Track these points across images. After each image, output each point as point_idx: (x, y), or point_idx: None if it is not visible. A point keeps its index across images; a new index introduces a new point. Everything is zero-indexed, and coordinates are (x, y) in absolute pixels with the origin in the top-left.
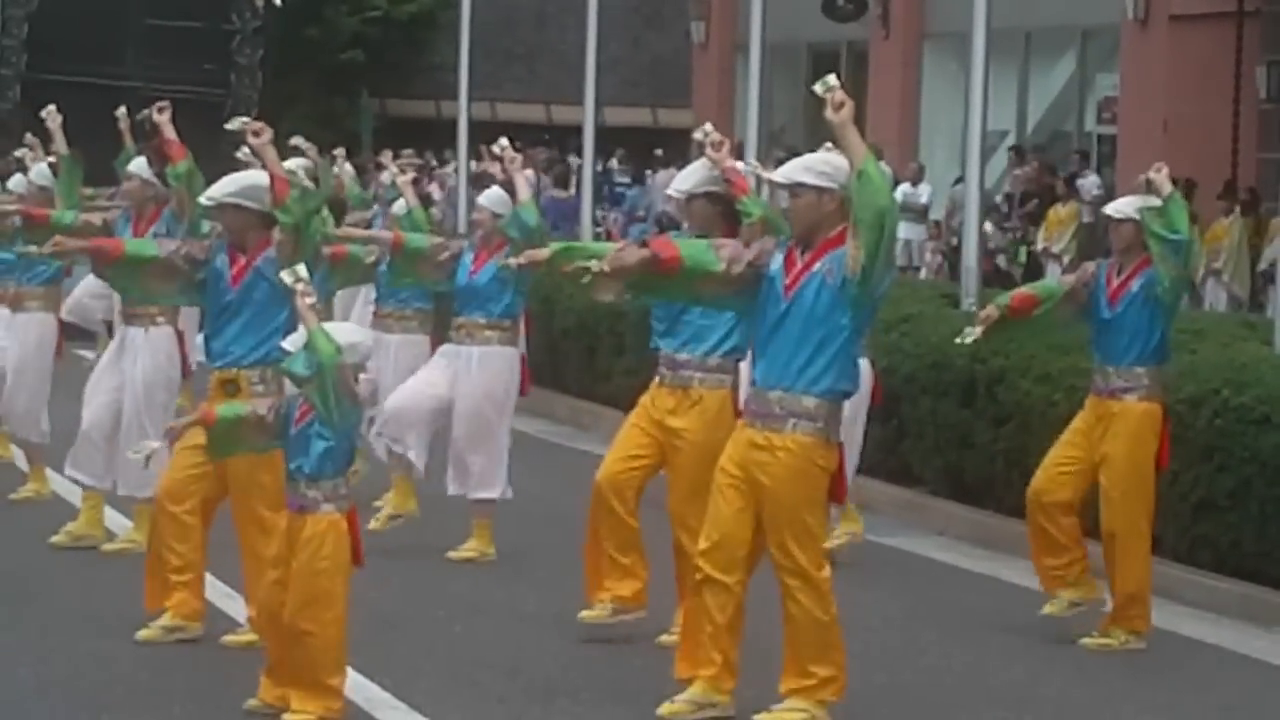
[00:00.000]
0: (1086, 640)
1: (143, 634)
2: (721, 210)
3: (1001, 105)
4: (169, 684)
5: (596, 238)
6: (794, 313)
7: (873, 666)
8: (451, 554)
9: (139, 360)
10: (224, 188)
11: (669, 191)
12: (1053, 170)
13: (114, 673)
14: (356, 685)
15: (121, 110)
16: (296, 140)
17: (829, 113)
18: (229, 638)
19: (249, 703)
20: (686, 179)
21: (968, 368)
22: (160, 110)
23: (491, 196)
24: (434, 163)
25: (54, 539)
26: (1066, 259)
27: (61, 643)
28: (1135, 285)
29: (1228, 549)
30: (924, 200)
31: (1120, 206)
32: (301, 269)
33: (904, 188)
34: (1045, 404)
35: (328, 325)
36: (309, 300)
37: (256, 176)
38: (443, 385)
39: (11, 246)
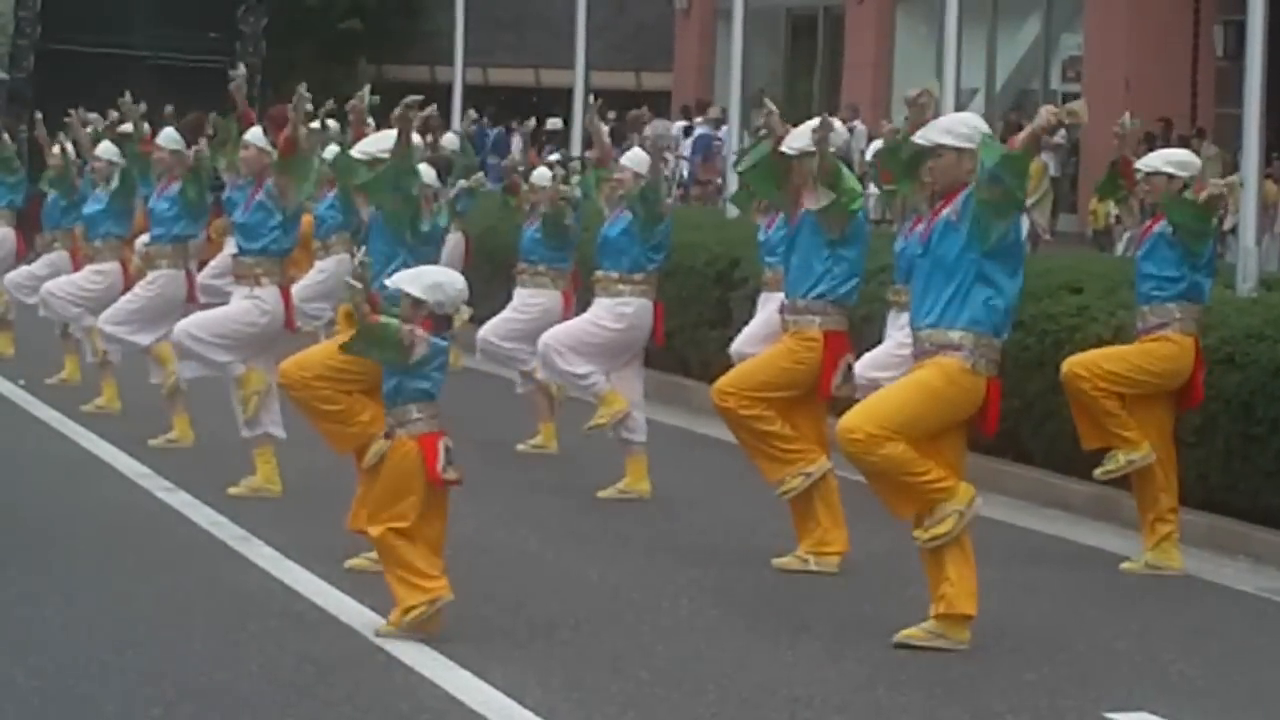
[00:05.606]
0: (1129, 564)
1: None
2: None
3: (971, 65)
4: (189, 622)
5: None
6: (929, 257)
7: (859, 598)
8: (601, 493)
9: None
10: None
11: (782, 149)
12: (1019, 128)
13: (136, 612)
14: (369, 622)
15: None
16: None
17: None
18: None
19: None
20: (797, 139)
21: None
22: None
23: (634, 157)
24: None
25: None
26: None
27: (85, 585)
28: (1156, 229)
29: (1195, 482)
30: None
31: (1150, 161)
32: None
33: (876, 144)
34: (1019, 349)
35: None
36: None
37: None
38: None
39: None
